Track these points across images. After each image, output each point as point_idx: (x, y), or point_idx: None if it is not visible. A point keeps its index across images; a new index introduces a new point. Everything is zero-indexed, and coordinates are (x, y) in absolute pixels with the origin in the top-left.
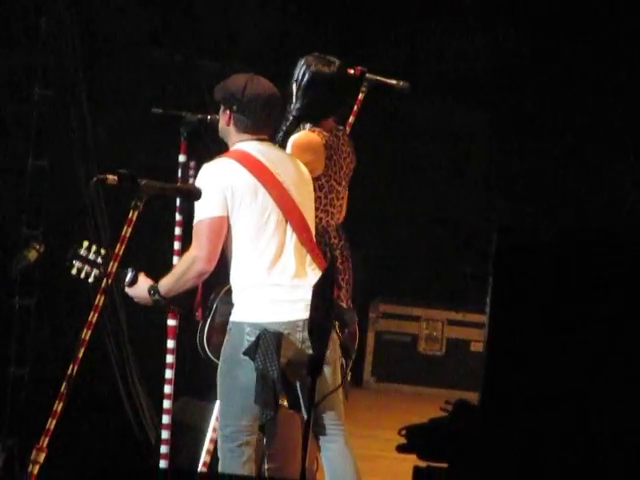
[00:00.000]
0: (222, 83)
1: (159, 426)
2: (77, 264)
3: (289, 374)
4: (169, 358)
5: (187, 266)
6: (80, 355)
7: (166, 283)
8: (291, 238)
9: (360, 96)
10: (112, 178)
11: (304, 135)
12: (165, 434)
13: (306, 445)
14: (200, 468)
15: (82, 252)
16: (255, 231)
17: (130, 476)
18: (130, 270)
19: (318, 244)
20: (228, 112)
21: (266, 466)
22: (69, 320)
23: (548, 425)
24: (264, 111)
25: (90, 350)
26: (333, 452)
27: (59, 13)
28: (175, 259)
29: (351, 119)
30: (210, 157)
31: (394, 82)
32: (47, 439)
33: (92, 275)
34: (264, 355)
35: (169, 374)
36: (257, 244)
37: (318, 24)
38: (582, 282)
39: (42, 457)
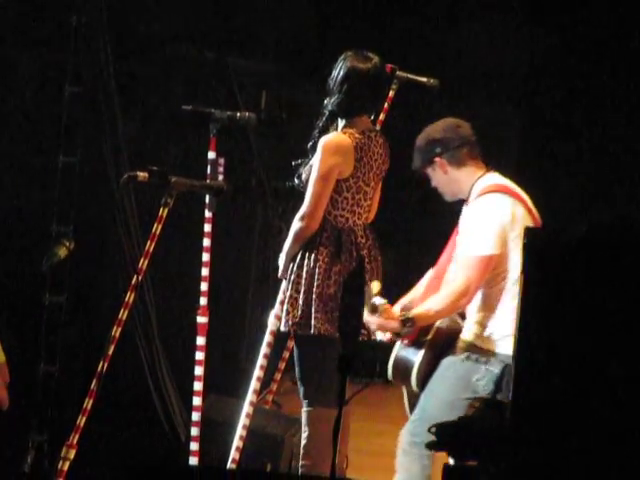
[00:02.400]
0: (424, 143)
1: (189, 423)
2: None
3: None
4: (199, 355)
5: (460, 295)
6: (110, 352)
7: (431, 312)
8: None
9: (390, 93)
10: (142, 175)
11: (334, 137)
12: (195, 431)
13: (336, 442)
14: (229, 465)
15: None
16: None
17: (160, 473)
18: (409, 322)
19: (343, 244)
20: (438, 160)
21: (301, 463)
22: (99, 317)
23: (579, 423)
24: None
25: (120, 347)
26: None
27: (90, 11)
28: (205, 256)
29: (381, 116)
30: (240, 154)
31: (424, 80)
32: (77, 436)
33: None
34: (506, 388)
35: (199, 371)
36: None
37: (349, 22)
38: (612, 279)
39: (72, 454)
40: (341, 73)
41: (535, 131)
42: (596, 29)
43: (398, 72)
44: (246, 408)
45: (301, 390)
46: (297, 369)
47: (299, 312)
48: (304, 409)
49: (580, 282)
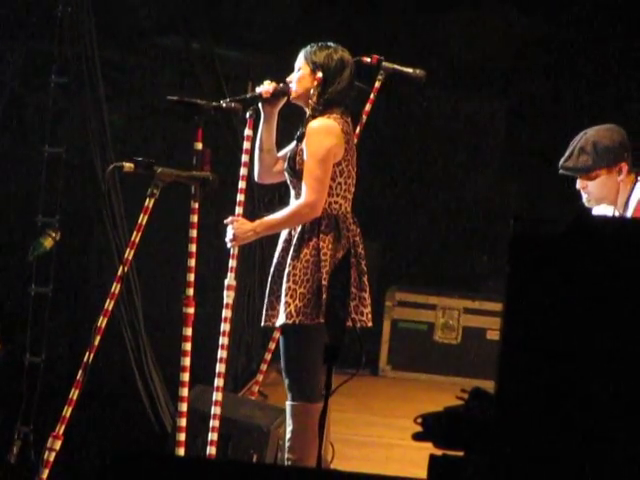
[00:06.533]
0: (615, 145)
1: (175, 414)
2: None
3: None
4: (185, 346)
5: None
6: (96, 343)
7: None
8: None
9: (377, 84)
10: (129, 166)
11: (323, 121)
12: (181, 422)
13: (322, 434)
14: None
15: None
16: None
17: (146, 464)
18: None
19: (340, 230)
20: (623, 165)
21: (286, 456)
22: (85, 308)
23: (564, 414)
24: None
25: (106, 338)
26: None
27: (76, 1)
28: (191, 247)
29: (368, 107)
30: (226, 145)
31: (410, 70)
32: (63, 426)
33: None
34: None
35: (185, 362)
36: None
37: (335, 13)
38: (598, 270)
39: (58, 444)
40: (337, 63)
41: (521, 121)
42: (581, 17)
43: (384, 63)
44: (214, 395)
45: (286, 382)
46: (283, 361)
47: (302, 302)
48: (288, 402)
49: (567, 273)
